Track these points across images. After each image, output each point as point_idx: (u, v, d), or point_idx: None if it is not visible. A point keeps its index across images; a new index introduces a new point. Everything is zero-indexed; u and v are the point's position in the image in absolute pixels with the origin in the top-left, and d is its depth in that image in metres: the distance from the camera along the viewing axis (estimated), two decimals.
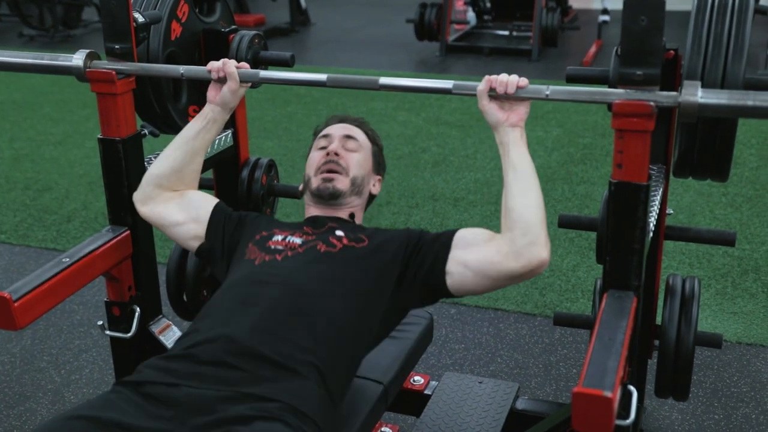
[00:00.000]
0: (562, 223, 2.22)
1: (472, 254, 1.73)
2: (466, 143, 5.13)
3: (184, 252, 2.43)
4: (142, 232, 2.08)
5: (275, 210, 2.59)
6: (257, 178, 2.45)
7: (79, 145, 5.32)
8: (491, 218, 4.06)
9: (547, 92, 1.69)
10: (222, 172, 2.46)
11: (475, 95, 1.74)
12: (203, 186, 2.59)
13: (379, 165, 2.06)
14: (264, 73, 1.91)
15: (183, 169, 1.94)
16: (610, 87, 1.93)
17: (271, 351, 1.60)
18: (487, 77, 1.73)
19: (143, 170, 2.04)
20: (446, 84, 1.77)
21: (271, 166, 2.52)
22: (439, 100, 6.06)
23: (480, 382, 2.29)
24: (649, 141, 1.59)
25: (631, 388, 1.61)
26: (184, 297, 2.43)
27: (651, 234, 1.84)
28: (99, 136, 2.01)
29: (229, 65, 1.88)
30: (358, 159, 1.97)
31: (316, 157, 1.98)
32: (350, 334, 1.71)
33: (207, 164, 2.29)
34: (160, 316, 2.19)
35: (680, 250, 3.63)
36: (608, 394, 1.34)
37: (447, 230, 1.80)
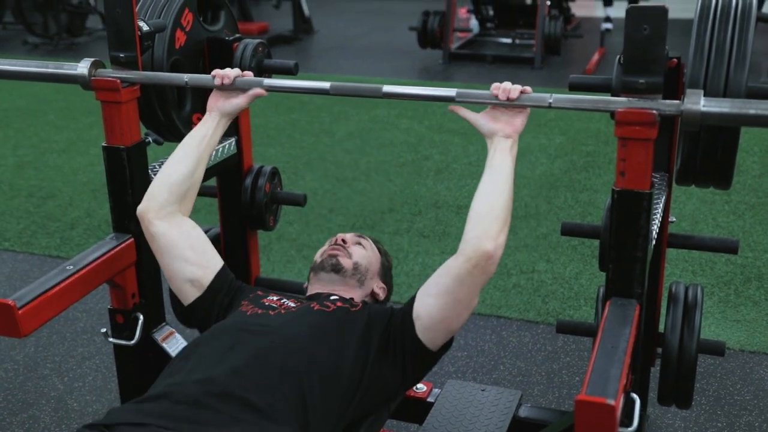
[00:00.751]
0: (565, 230, 2.22)
1: (430, 282, 1.75)
2: (468, 151, 5.13)
3: None
4: (145, 239, 2.07)
5: (278, 218, 2.59)
6: (261, 185, 2.45)
7: (83, 153, 5.32)
8: None
9: (550, 100, 1.70)
10: (225, 180, 2.46)
11: (479, 104, 1.75)
12: (206, 194, 2.60)
13: (386, 275, 2.05)
14: (268, 82, 1.92)
15: (193, 175, 1.90)
16: (612, 95, 1.94)
17: (252, 395, 1.55)
18: (493, 85, 1.74)
19: (147, 178, 2.04)
20: (449, 92, 1.78)
21: (275, 173, 2.52)
22: (441, 108, 6.06)
23: (483, 390, 2.28)
24: (652, 149, 1.59)
25: (634, 395, 1.60)
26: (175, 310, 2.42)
27: (654, 242, 1.84)
28: (103, 144, 2.01)
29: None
30: (364, 253, 2.00)
31: (323, 248, 2.02)
32: (336, 392, 1.66)
33: (210, 172, 2.30)
34: (164, 323, 2.18)
35: (683, 257, 3.63)
36: (611, 401, 1.34)
37: None
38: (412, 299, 1.78)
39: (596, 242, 2.16)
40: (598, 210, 4.22)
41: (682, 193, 4.26)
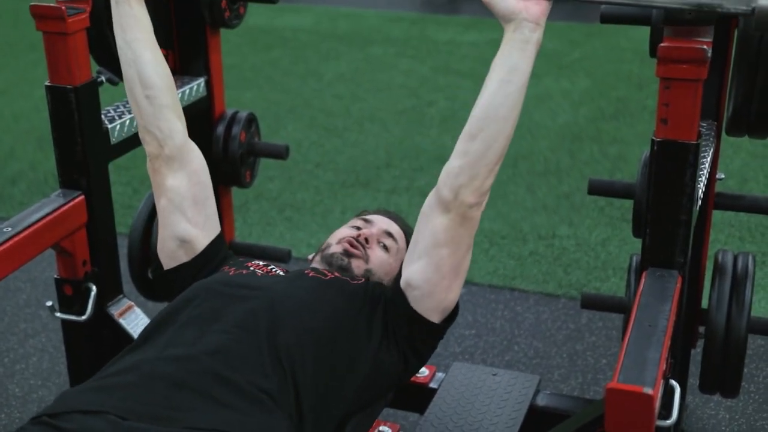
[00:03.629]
0: (593, 189, 2.20)
1: (412, 241, 1.74)
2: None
3: (149, 219, 2.41)
4: (98, 196, 2.06)
5: (256, 173, 2.56)
6: (235, 134, 2.43)
7: (26, 96, 5.27)
8: (507, 183, 4.04)
9: None
10: (193, 128, 2.40)
11: None
12: None
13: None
14: None
15: (168, 75, 1.82)
16: (653, 28, 1.90)
17: (239, 376, 1.51)
18: None
19: (100, 123, 2.02)
20: None
21: (251, 120, 2.49)
22: (447, 46, 6.02)
23: (494, 374, 2.28)
24: (701, 92, 1.57)
25: (674, 383, 1.60)
26: (150, 274, 2.41)
27: (699, 202, 1.82)
28: (47, 84, 1.98)
29: None
30: (385, 260, 1.93)
31: (344, 232, 1.95)
32: (332, 372, 1.64)
33: None
34: (121, 295, 2.17)
35: (729, 222, 3.62)
36: (649, 390, 1.33)
37: None
38: (401, 267, 1.76)
39: (627, 203, 2.15)
40: (629, 166, 4.20)
41: (728, 146, 4.23)
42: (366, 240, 1.91)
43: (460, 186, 1.63)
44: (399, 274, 1.81)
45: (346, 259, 1.87)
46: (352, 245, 1.89)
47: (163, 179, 1.83)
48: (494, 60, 1.61)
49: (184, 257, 1.85)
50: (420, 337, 1.76)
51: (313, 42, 6.13)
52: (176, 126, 1.83)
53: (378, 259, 1.91)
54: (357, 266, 1.88)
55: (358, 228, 1.95)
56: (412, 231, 1.91)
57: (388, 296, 1.76)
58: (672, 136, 1.60)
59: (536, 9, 1.57)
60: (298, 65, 5.70)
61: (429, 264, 1.70)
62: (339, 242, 1.91)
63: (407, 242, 1.96)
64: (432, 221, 1.67)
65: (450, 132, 4.60)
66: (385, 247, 1.93)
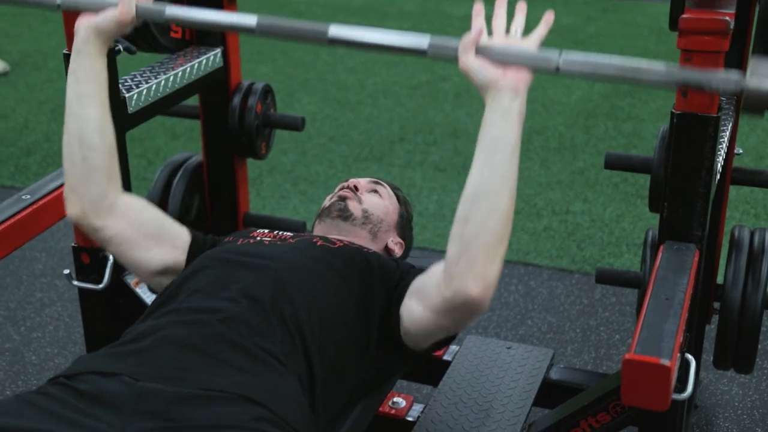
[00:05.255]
0: (610, 163, 2.19)
1: (419, 281, 1.63)
2: None
3: (166, 187, 2.41)
4: None
5: (271, 145, 2.56)
6: (251, 105, 2.41)
7: (40, 67, 5.27)
8: (521, 159, 4.01)
9: (559, 63, 1.39)
10: (209, 98, 2.42)
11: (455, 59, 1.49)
12: (187, 115, 2.56)
13: (404, 228, 1.98)
14: (172, 11, 1.62)
15: (106, 140, 1.74)
16: (673, 2, 1.89)
17: (249, 341, 1.51)
18: (477, 23, 1.48)
19: (117, 92, 2.01)
20: (420, 41, 1.50)
21: (268, 92, 2.48)
22: (464, 21, 5.98)
23: (508, 348, 2.27)
24: (723, 64, 1.56)
25: (690, 357, 1.60)
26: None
27: (717, 176, 1.81)
28: (64, 51, 1.97)
29: None
30: (379, 202, 1.92)
31: (332, 193, 1.95)
32: (339, 342, 1.62)
33: (192, 88, 2.27)
34: None
35: (744, 198, 3.60)
36: (666, 362, 1.34)
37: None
38: (410, 281, 1.67)
39: (641, 180, 2.14)
40: (643, 142, 4.18)
41: (744, 123, 4.21)
42: (355, 187, 1.93)
43: (461, 275, 1.48)
44: (402, 229, 1.88)
45: (342, 203, 1.88)
46: (344, 193, 1.91)
47: (103, 233, 1.75)
48: (479, 134, 1.52)
49: (173, 276, 1.79)
50: (405, 355, 1.72)
51: (326, 15, 6.11)
52: (105, 189, 1.74)
53: (371, 201, 1.92)
54: (354, 208, 1.89)
55: (345, 186, 1.96)
56: (398, 187, 1.98)
57: (394, 299, 1.68)
58: (692, 109, 1.59)
59: (515, 77, 1.45)
60: None
61: (424, 319, 1.60)
62: (330, 198, 1.94)
63: (394, 192, 2.00)
64: (434, 296, 1.55)
65: (464, 107, 4.58)
66: (376, 192, 1.95)
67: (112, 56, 2.00)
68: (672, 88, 1.35)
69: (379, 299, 1.70)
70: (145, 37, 2.19)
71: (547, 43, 1.52)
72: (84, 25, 1.68)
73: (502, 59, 1.43)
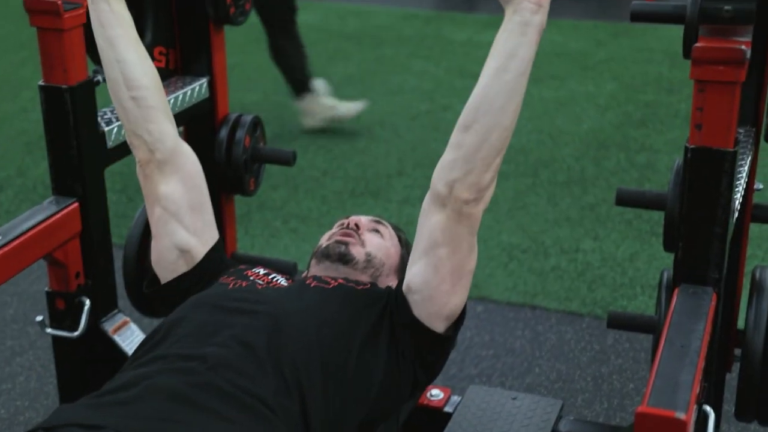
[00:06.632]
0: (621, 199, 2.20)
1: (414, 242, 1.74)
2: None
3: (145, 229, 2.41)
4: (94, 204, 2.07)
5: (260, 181, 2.57)
6: (239, 139, 2.43)
7: (13, 97, 5.30)
8: (527, 193, 4.04)
9: None
10: (195, 131, 2.44)
11: None
12: None
13: (404, 273, 2.00)
14: None
15: (156, 77, 1.85)
16: (687, 27, 1.91)
17: (241, 391, 1.53)
18: None
19: (96, 126, 2.02)
20: None
21: (257, 124, 2.50)
22: (463, 46, 6.03)
23: (513, 398, 2.27)
24: (738, 96, 1.57)
25: (708, 408, 1.59)
26: (144, 288, 2.41)
27: (736, 214, 1.82)
28: (40, 83, 1.99)
29: None
30: (381, 243, 1.94)
31: (332, 230, 1.97)
32: (341, 388, 1.65)
33: (177, 121, 2.28)
34: (116, 310, 2.18)
35: (767, 236, 3.61)
36: (681, 415, 1.33)
37: None
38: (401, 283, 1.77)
39: (656, 216, 2.15)
40: (658, 175, 4.20)
41: (765, 153, 4.23)
42: (357, 226, 1.93)
43: (455, 180, 1.62)
44: (402, 273, 1.83)
45: (343, 246, 1.88)
46: (344, 235, 1.91)
47: (156, 186, 1.84)
48: (492, 45, 1.61)
49: (183, 267, 1.86)
50: (426, 346, 1.76)
51: (320, 41, 6.14)
52: (166, 128, 1.84)
53: (374, 242, 1.93)
54: (356, 252, 1.89)
55: (345, 225, 1.97)
56: (399, 230, 2.00)
57: (392, 302, 1.76)
58: (707, 143, 1.60)
59: None
60: None
61: (428, 265, 1.70)
62: (330, 237, 1.93)
63: (396, 232, 2.01)
64: (429, 219, 1.68)
65: None
66: (378, 231, 1.96)
67: (90, 87, 2.03)
68: None
69: (383, 327, 1.73)
70: None
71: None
72: None
73: None
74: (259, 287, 1.80)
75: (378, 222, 1.99)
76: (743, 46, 1.54)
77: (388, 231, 1.99)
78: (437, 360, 1.80)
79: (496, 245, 3.64)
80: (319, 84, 4.67)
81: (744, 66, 1.55)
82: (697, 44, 1.57)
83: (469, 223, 1.66)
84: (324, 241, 1.95)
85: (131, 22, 1.83)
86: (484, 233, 3.61)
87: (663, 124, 4.80)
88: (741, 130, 2.04)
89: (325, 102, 4.68)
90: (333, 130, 4.76)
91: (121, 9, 1.82)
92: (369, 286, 1.82)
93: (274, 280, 1.85)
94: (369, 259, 1.90)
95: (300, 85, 4.64)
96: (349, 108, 4.68)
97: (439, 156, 1.69)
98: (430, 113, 4.99)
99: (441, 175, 1.65)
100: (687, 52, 1.69)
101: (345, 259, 1.87)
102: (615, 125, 4.80)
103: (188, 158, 1.88)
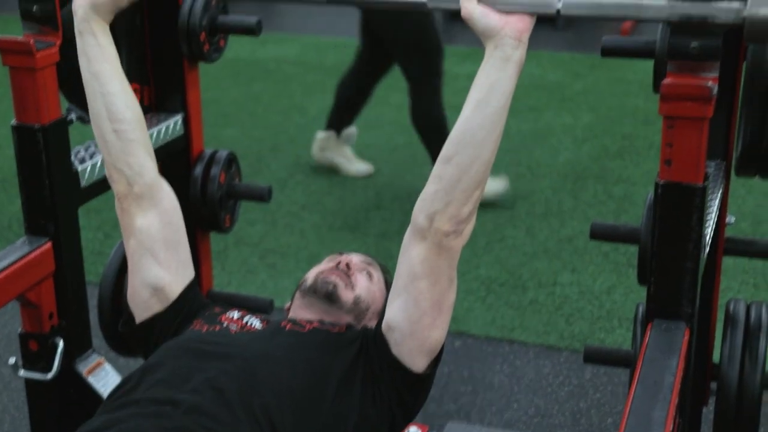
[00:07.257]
0: (596, 233, 2.21)
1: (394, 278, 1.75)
2: None
3: (121, 267, 2.41)
4: (67, 243, 2.06)
5: (236, 217, 2.57)
6: (214, 176, 2.44)
7: None
8: (506, 226, 4.05)
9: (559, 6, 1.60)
10: (170, 168, 2.43)
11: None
12: None
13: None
14: None
15: (137, 112, 1.86)
16: (656, 62, 1.94)
17: None
18: None
19: (69, 165, 2.02)
20: None
21: (232, 160, 2.51)
22: (445, 79, 6.04)
23: None
24: (707, 131, 1.59)
25: None
26: (120, 327, 2.40)
27: (707, 248, 1.84)
28: (13, 123, 1.99)
29: None
30: (369, 287, 1.94)
31: (322, 266, 1.96)
32: (319, 430, 1.65)
33: None
34: (90, 350, 2.16)
35: (742, 268, 3.63)
36: None
37: None
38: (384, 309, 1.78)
39: (632, 248, 2.16)
40: (635, 207, 4.22)
41: (740, 185, 4.27)
42: (347, 266, 1.92)
43: (435, 212, 1.64)
44: (382, 314, 1.81)
45: (332, 285, 1.87)
46: (335, 274, 1.89)
47: (132, 219, 1.84)
48: (474, 79, 1.63)
49: (157, 306, 1.86)
50: (405, 385, 1.75)
51: (298, 74, 6.16)
52: (146, 162, 1.85)
53: (363, 285, 1.92)
54: (345, 295, 1.88)
55: (336, 263, 1.95)
56: (387, 272, 1.97)
57: (370, 342, 1.76)
58: (676, 179, 1.61)
59: (518, 25, 1.59)
60: (282, 100, 5.73)
61: (408, 299, 1.70)
62: (319, 273, 1.91)
63: (385, 278, 1.99)
64: (410, 252, 1.69)
65: None
66: (369, 274, 1.94)
67: (63, 126, 2.03)
68: (675, 19, 1.54)
69: (358, 368, 1.73)
70: None
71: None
72: (80, 4, 1.78)
73: (504, 5, 1.59)
74: (233, 332, 1.79)
75: (369, 264, 1.98)
76: (710, 82, 1.56)
77: (377, 274, 1.98)
78: (416, 400, 1.80)
79: (474, 278, 3.65)
80: (350, 131, 4.71)
81: (711, 102, 1.57)
82: (665, 81, 1.59)
83: (448, 256, 1.67)
84: (311, 276, 1.93)
85: (116, 56, 1.84)
86: (462, 266, 3.61)
87: (640, 156, 4.83)
88: (711, 164, 2.06)
89: (344, 151, 4.70)
90: (311, 164, 4.75)
91: (107, 43, 1.83)
92: (344, 328, 1.82)
93: (248, 324, 1.84)
94: (356, 303, 1.89)
95: (339, 122, 4.68)
96: (358, 168, 4.70)
97: (417, 190, 1.71)
98: (408, 146, 5.00)
99: (422, 206, 1.66)
100: (657, 87, 1.71)
101: (332, 299, 1.87)
102: (592, 157, 4.83)
103: (166, 194, 1.89)
